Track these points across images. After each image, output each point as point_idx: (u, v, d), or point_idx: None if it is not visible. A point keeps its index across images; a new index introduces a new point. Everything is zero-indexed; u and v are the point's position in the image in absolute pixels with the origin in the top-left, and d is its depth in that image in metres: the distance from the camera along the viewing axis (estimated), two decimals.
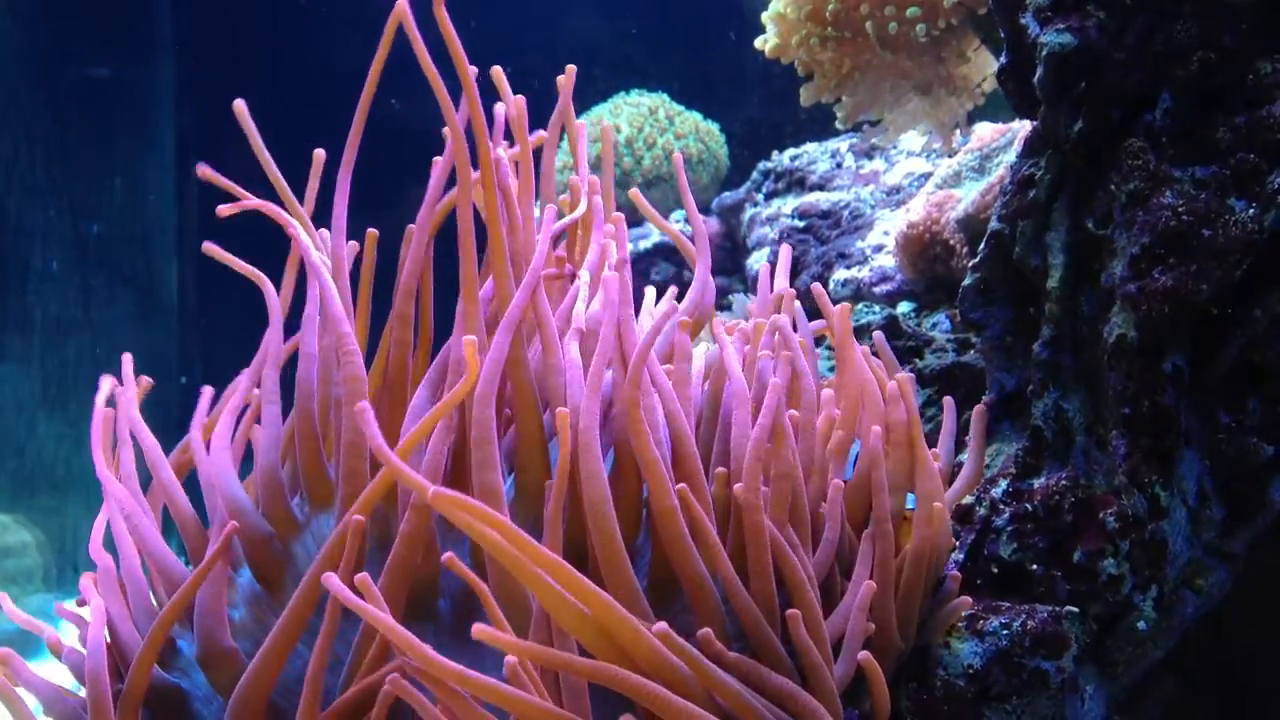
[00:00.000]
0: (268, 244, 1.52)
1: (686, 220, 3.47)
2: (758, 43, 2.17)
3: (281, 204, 1.45)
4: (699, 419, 1.40)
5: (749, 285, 2.99)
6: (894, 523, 1.29)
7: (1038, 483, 1.40)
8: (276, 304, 1.42)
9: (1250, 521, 1.38)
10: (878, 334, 1.59)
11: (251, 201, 1.42)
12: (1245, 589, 1.42)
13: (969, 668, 1.28)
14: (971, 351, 1.83)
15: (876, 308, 2.04)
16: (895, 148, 3.00)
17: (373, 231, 1.43)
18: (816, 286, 1.52)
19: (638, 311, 1.52)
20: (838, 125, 2.22)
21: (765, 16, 2.14)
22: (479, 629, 1.02)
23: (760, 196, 3.15)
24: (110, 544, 1.36)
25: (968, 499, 1.43)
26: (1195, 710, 1.52)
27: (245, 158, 1.45)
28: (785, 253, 1.56)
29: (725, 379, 1.35)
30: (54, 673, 1.32)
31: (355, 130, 1.41)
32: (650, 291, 1.59)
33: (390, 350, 1.40)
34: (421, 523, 1.19)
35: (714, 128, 4.01)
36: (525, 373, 1.33)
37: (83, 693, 1.24)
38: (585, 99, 4.07)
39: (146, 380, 1.45)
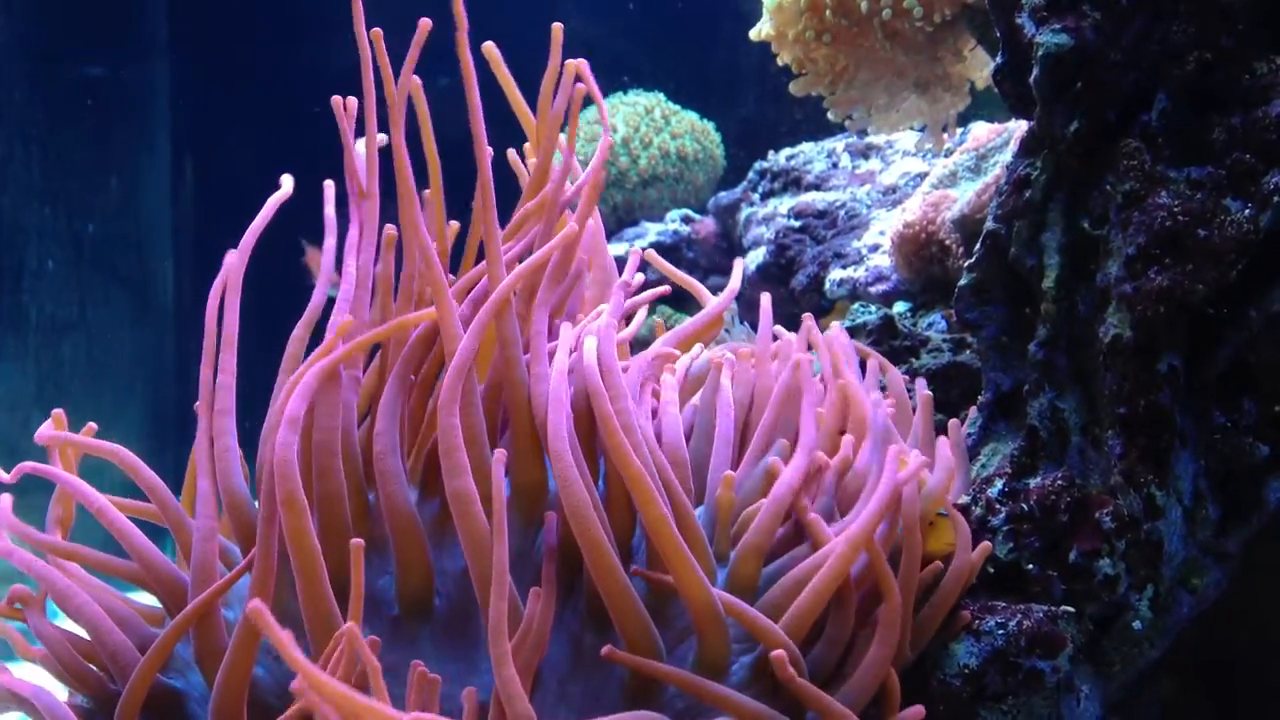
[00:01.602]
0: (267, 242, 1.52)
1: (683, 221, 3.48)
2: (753, 32, 2.16)
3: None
4: (689, 429, 1.41)
5: (744, 284, 2.99)
6: (920, 529, 1.29)
7: (1033, 483, 1.40)
8: (329, 262, 1.41)
9: (1246, 521, 1.38)
10: (897, 376, 1.61)
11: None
12: (1241, 589, 1.42)
13: (965, 668, 1.28)
14: (967, 351, 1.84)
15: (872, 308, 2.04)
16: (891, 148, 3.00)
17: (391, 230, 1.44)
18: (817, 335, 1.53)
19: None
20: (829, 119, 2.22)
21: (765, 7, 2.13)
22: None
23: (756, 196, 3.15)
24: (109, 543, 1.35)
25: (964, 499, 1.43)
26: (1190, 710, 1.52)
27: (241, 157, 1.45)
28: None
29: (717, 393, 1.37)
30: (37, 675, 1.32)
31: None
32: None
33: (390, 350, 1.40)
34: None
35: (710, 127, 4.00)
36: (519, 374, 1.33)
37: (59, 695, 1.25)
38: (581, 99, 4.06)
39: (91, 426, 1.43)
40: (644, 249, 1.65)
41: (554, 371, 1.27)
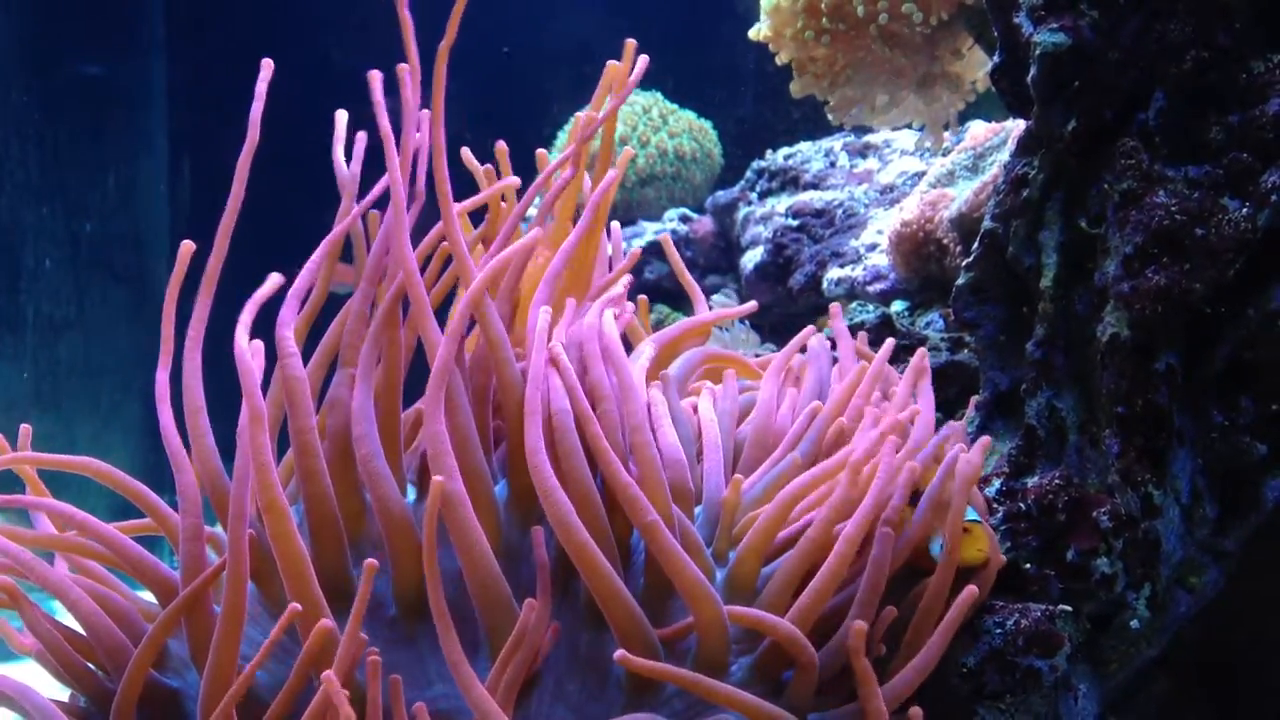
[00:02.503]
0: (259, 240, 1.52)
1: (680, 220, 3.48)
2: (751, 32, 2.16)
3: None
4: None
5: (742, 283, 2.99)
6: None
7: (1031, 482, 1.40)
8: (345, 197, 1.41)
9: (1244, 520, 1.38)
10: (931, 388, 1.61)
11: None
12: (1239, 587, 1.42)
13: (963, 666, 1.28)
14: (965, 350, 1.83)
15: (870, 306, 2.04)
16: (889, 147, 3.00)
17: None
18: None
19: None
20: (830, 121, 2.22)
21: (762, 9, 2.13)
22: None
23: (754, 195, 3.15)
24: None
25: None
26: (1188, 708, 1.52)
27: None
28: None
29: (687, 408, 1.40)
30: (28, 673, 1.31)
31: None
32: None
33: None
34: None
35: (707, 126, 4.00)
36: (511, 373, 1.33)
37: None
38: (579, 98, 4.06)
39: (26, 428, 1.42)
40: (659, 235, 1.67)
41: (531, 381, 1.25)
